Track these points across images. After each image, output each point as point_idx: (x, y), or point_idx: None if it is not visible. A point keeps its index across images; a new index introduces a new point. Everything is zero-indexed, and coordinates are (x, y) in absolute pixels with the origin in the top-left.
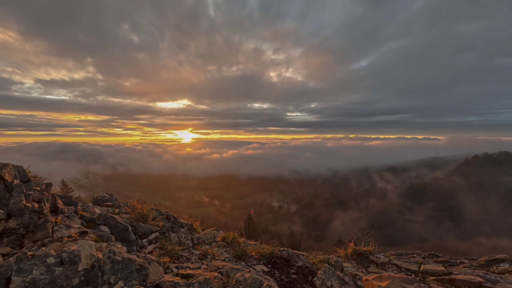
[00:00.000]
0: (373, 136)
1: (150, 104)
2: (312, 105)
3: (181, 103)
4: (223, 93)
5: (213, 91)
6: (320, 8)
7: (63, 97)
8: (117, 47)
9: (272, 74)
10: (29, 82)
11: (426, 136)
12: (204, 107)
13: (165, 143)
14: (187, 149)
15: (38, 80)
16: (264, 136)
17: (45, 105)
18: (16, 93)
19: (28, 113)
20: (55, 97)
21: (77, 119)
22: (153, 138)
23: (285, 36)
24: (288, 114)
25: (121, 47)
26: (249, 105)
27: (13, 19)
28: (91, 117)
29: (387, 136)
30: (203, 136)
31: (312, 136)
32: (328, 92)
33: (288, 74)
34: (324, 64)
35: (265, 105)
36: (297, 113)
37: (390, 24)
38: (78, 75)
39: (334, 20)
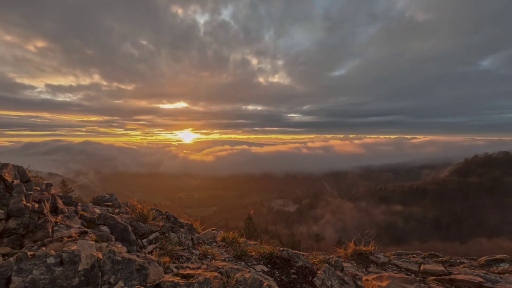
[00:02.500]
0: (373, 136)
1: (150, 106)
2: (305, 107)
3: (179, 105)
4: (217, 96)
5: (207, 94)
6: (288, 32)
7: (68, 99)
8: (119, 59)
9: (261, 79)
10: (39, 87)
11: (425, 136)
12: (200, 108)
13: (165, 142)
14: (187, 149)
15: (47, 85)
16: (263, 136)
17: (50, 106)
18: (26, 97)
19: (34, 114)
20: (61, 99)
21: (79, 119)
22: (153, 138)
23: (265, 51)
24: (284, 115)
25: (123, 60)
26: (243, 107)
27: (33, 37)
28: (93, 118)
29: (387, 136)
30: (203, 136)
31: (312, 136)
32: (316, 95)
33: (275, 79)
34: (306, 72)
35: (259, 107)
36: (292, 114)
37: (352, 43)
38: (85, 81)
39: (303, 41)
